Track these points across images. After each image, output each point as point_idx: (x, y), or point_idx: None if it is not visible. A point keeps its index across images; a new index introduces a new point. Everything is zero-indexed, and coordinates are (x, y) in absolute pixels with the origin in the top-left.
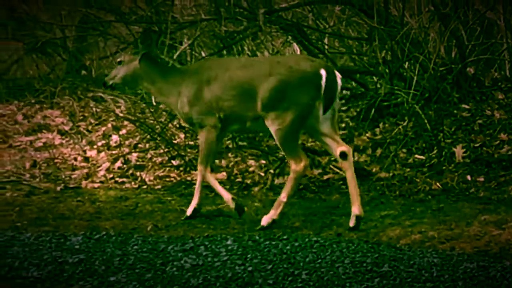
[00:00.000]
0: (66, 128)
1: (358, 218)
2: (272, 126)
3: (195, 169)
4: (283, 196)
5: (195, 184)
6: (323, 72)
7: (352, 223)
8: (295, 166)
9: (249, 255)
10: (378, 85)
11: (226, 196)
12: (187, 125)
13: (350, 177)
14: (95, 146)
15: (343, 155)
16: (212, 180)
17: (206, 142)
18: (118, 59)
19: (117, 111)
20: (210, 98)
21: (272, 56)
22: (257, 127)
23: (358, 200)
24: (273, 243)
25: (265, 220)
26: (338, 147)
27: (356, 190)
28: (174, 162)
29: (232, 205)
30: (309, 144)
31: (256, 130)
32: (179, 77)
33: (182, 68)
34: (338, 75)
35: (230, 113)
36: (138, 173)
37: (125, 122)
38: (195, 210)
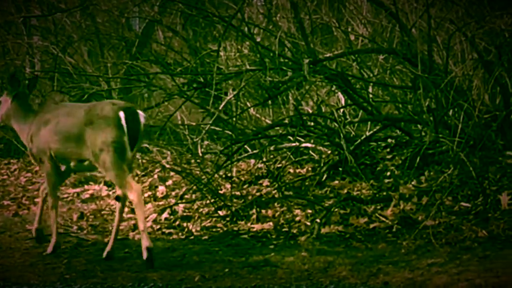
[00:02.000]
0: None
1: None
2: (101, 168)
3: (242, 219)
4: (140, 227)
5: (242, 234)
6: (121, 114)
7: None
8: (130, 195)
9: None
10: (423, 133)
11: (35, 225)
12: (33, 161)
13: (117, 219)
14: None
15: (118, 198)
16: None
17: (48, 176)
18: None
19: (163, 162)
20: (43, 139)
21: (88, 103)
22: (83, 168)
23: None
24: None
25: (144, 254)
26: (118, 190)
27: (118, 227)
28: (220, 213)
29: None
30: (355, 193)
31: (84, 170)
32: (31, 117)
33: (35, 109)
34: (142, 114)
35: (56, 154)
36: (185, 224)
37: (171, 173)
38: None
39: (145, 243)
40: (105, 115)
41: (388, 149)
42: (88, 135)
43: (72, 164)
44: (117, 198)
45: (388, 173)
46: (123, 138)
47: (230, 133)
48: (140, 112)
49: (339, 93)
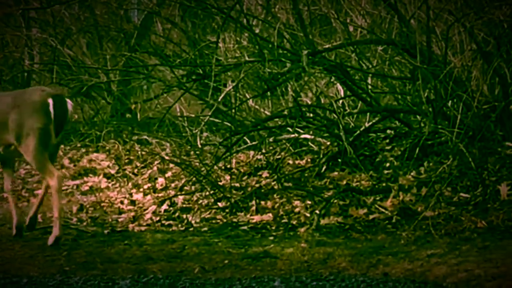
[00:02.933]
0: (112, 171)
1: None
2: (23, 152)
3: (241, 211)
4: (55, 214)
5: (241, 225)
6: (50, 100)
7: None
8: (51, 181)
9: None
10: (422, 124)
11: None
12: None
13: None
14: (141, 189)
15: None
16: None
17: None
18: None
19: (163, 154)
20: None
21: (18, 90)
22: (12, 153)
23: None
24: (320, 283)
25: (50, 240)
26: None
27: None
28: (220, 204)
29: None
30: (354, 184)
31: (13, 156)
32: None
33: None
34: (70, 103)
35: None
36: (184, 216)
37: (171, 165)
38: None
39: (56, 231)
40: (33, 101)
41: (388, 140)
42: (13, 119)
43: (1, 150)
44: None
45: (388, 164)
46: (49, 126)
47: (229, 124)
48: (68, 101)
49: (338, 84)
